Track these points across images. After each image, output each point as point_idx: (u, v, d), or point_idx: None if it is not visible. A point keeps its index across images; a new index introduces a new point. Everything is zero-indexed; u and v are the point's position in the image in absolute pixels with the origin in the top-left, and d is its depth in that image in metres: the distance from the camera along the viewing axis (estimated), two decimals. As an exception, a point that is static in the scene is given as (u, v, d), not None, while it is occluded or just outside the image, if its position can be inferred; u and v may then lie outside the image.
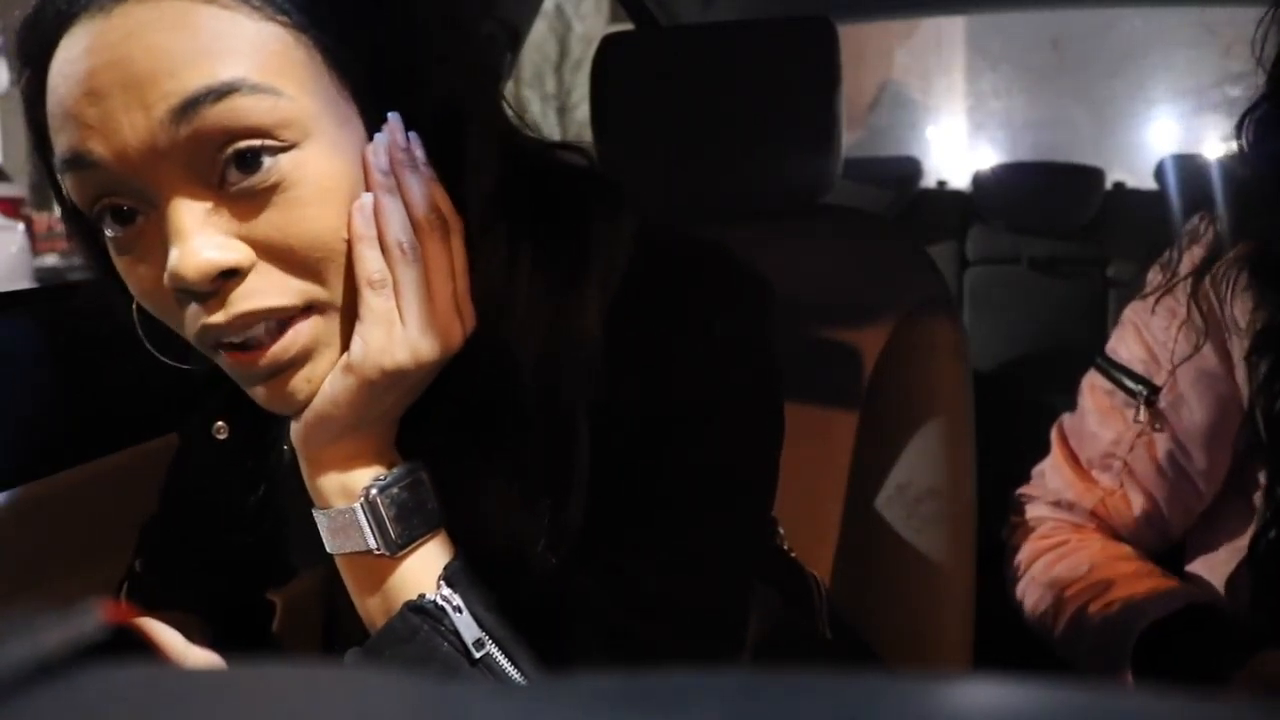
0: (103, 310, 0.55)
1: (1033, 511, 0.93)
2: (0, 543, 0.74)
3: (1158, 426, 0.82)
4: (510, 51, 1.44)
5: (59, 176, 0.48)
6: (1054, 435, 0.93)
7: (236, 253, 0.45)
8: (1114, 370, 0.86)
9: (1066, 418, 0.93)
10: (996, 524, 0.99)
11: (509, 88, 1.67)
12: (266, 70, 0.44)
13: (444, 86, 0.50)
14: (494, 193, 0.52)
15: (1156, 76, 4.11)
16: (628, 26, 1.79)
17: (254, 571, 0.65)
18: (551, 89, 4.83)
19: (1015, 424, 2.07)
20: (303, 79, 0.45)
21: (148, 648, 0.20)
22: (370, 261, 0.48)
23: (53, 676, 0.17)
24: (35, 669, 0.17)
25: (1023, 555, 0.90)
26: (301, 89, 0.45)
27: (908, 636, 0.89)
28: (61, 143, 0.45)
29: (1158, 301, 0.82)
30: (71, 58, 0.44)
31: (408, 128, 0.50)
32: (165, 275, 0.45)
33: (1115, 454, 0.85)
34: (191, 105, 0.43)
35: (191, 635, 0.57)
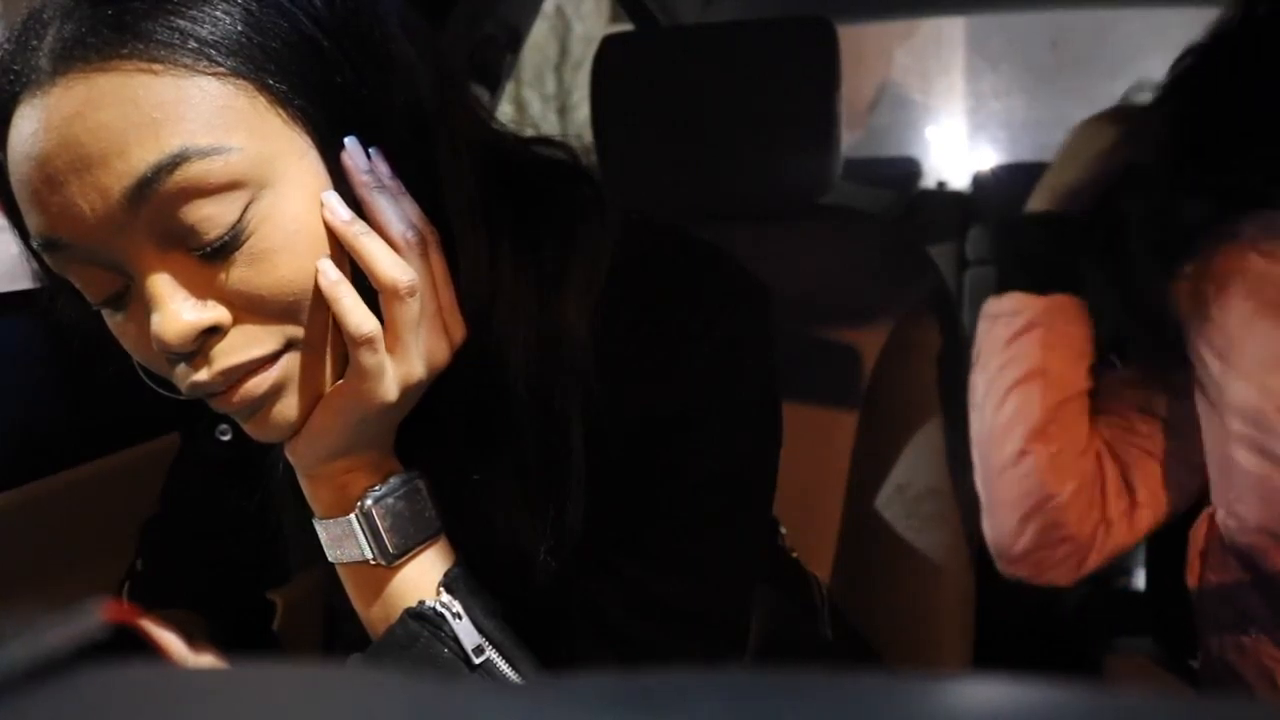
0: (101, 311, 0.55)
1: None
2: (0, 543, 0.74)
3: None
4: (510, 51, 1.44)
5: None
6: None
7: (214, 312, 0.46)
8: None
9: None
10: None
11: (509, 88, 1.67)
12: (213, 127, 0.44)
13: (406, 96, 0.49)
14: (471, 196, 0.51)
15: (1157, 77, 4.11)
16: (628, 26, 1.79)
17: (255, 571, 0.65)
18: (551, 89, 4.82)
19: (1015, 424, 2.06)
20: (251, 126, 0.45)
21: (148, 648, 0.20)
22: (354, 315, 0.47)
23: (53, 676, 0.17)
24: (35, 669, 0.17)
25: None
26: (251, 136, 0.44)
27: (908, 636, 0.89)
28: (32, 224, 0.46)
29: None
30: (24, 138, 0.44)
31: (373, 142, 0.49)
32: (150, 338, 0.46)
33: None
34: (146, 184, 0.43)
35: (193, 634, 0.57)
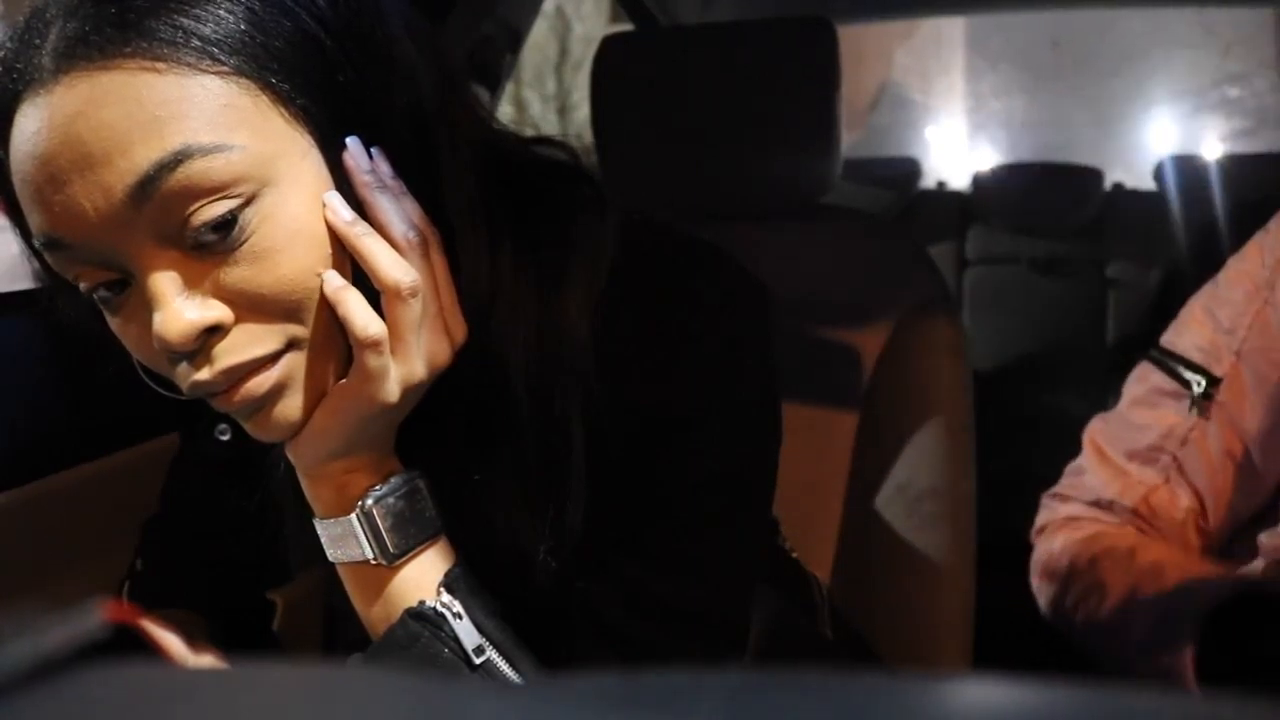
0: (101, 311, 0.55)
1: (1066, 510, 0.89)
2: (0, 543, 0.74)
3: (1210, 418, 0.79)
4: (510, 52, 1.44)
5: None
6: (1086, 436, 0.89)
7: (216, 311, 0.46)
8: (1169, 360, 0.82)
9: (1099, 418, 0.89)
10: (996, 523, 0.99)
11: (509, 88, 1.67)
12: (215, 126, 0.43)
13: (408, 96, 0.49)
14: (472, 196, 0.51)
15: (1156, 77, 4.10)
16: (628, 26, 1.79)
17: (255, 571, 0.65)
18: (551, 89, 4.82)
19: (1015, 424, 2.07)
20: (253, 124, 0.45)
21: (148, 648, 0.20)
22: (360, 318, 0.47)
23: (53, 676, 0.17)
24: (35, 669, 0.17)
25: (1054, 546, 0.86)
26: (253, 135, 0.44)
27: (908, 636, 0.89)
28: (34, 224, 0.46)
29: (1236, 286, 0.79)
30: (26, 137, 0.44)
31: (374, 142, 0.49)
32: (152, 337, 0.46)
33: (1164, 448, 0.81)
34: (148, 182, 0.43)
35: (193, 634, 0.57)
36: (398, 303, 0.48)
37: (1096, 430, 0.89)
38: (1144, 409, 0.84)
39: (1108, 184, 2.46)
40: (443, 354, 0.51)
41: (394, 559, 0.52)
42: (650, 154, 1.06)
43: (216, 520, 0.66)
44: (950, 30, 4.52)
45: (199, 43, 0.43)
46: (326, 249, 0.47)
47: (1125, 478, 0.84)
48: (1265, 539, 0.75)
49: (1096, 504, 0.86)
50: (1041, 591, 0.87)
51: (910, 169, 2.71)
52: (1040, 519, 0.92)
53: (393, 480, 0.53)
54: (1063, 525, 0.88)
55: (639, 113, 1.05)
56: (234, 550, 0.66)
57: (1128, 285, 2.28)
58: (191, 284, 0.46)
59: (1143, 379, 0.86)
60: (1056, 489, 0.92)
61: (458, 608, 0.52)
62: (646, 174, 1.06)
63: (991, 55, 4.51)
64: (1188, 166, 2.25)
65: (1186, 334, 0.83)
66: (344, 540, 0.53)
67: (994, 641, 0.92)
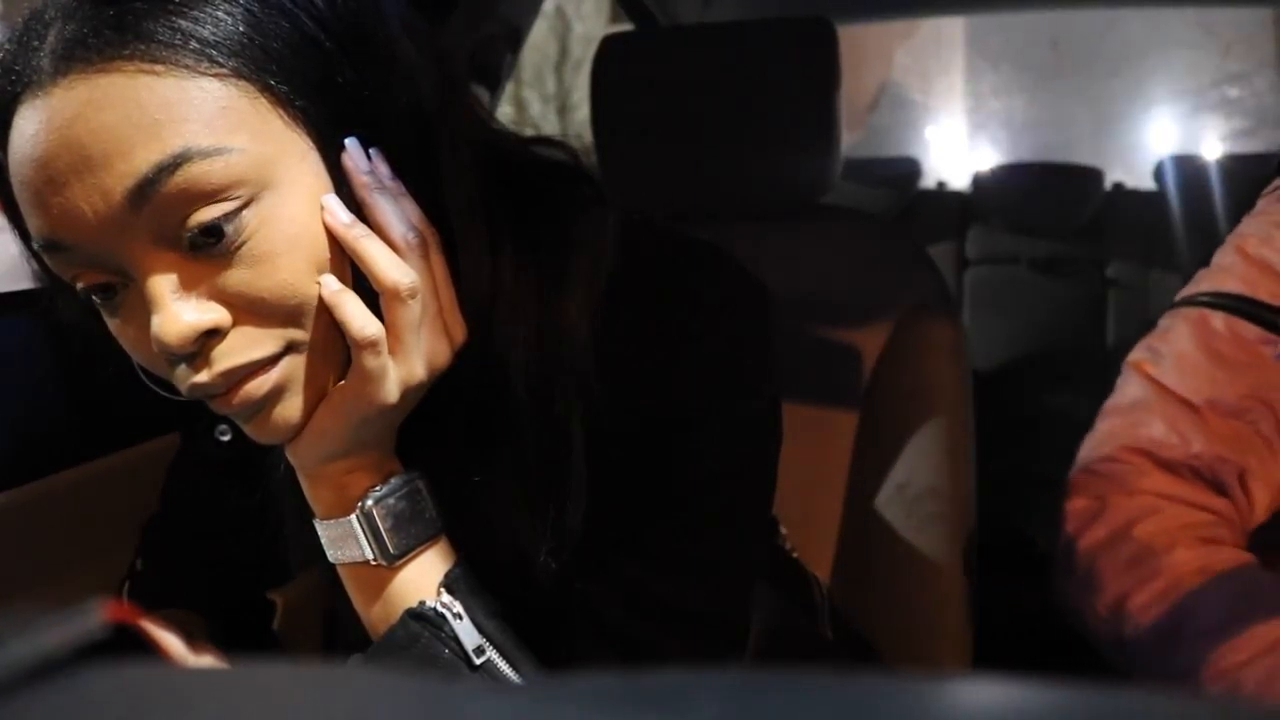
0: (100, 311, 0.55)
1: (1139, 481, 0.76)
2: (0, 543, 0.74)
3: None
4: (510, 51, 1.44)
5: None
6: (1136, 375, 0.80)
7: (214, 314, 0.46)
8: (1238, 303, 0.76)
9: (1147, 355, 0.80)
10: (996, 523, 0.98)
11: (509, 88, 1.67)
12: (214, 128, 0.43)
13: (408, 97, 0.49)
14: (472, 197, 0.51)
15: (1156, 77, 4.10)
16: (628, 26, 1.79)
17: (255, 571, 0.65)
18: (551, 89, 4.82)
19: (1015, 424, 2.07)
20: (252, 127, 0.44)
21: (148, 648, 0.20)
22: (357, 319, 0.47)
23: (53, 676, 0.17)
24: (35, 669, 0.17)
25: (1128, 531, 0.74)
26: (253, 137, 0.44)
27: (908, 636, 0.90)
28: (33, 226, 0.46)
29: None
30: (25, 139, 0.44)
31: (374, 143, 0.49)
32: (150, 339, 0.46)
33: (1259, 396, 0.74)
34: (148, 185, 0.43)
35: (193, 634, 0.57)
36: (397, 304, 0.48)
37: (1149, 368, 0.80)
38: (1219, 360, 0.76)
39: (1108, 184, 2.46)
40: (442, 355, 0.51)
41: (394, 559, 0.52)
42: (650, 154, 1.06)
43: (216, 520, 0.66)
44: (950, 30, 4.52)
45: (197, 45, 0.43)
46: (325, 251, 0.47)
47: (1206, 427, 0.76)
48: None
49: (1165, 448, 0.77)
50: (1102, 586, 0.75)
51: (910, 169, 2.71)
52: (1081, 488, 0.80)
53: (393, 481, 0.53)
54: (1133, 505, 0.76)
55: (639, 113, 1.05)
56: (234, 550, 0.66)
57: (1128, 285, 2.28)
58: (190, 286, 0.46)
59: (1202, 323, 0.78)
60: (1100, 447, 0.81)
61: (458, 608, 0.52)
62: (646, 174, 1.07)
63: (991, 55, 4.51)
64: (1188, 166, 2.25)
65: (1246, 275, 0.77)
66: (344, 541, 0.53)
67: (994, 641, 0.92)
